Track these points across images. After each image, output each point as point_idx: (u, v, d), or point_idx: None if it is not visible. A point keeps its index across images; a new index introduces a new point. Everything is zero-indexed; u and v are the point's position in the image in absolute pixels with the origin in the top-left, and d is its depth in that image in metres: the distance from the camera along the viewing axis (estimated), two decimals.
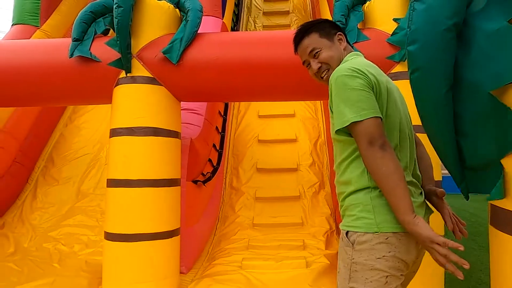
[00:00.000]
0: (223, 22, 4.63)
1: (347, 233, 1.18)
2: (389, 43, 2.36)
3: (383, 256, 1.11)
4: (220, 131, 4.17)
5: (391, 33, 2.39)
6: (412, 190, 1.20)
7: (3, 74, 2.59)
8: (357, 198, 1.17)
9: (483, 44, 1.22)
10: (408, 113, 1.36)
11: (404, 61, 2.32)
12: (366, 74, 1.16)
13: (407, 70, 2.31)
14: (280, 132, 4.74)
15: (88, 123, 4.95)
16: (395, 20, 2.39)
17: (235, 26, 5.89)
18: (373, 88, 1.16)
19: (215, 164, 3.85)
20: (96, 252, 3.29)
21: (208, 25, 4.00)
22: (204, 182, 3.45)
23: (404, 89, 2.31)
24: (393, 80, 2.34)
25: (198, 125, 3.47)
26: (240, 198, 4.13)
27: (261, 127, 4.83)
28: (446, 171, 1.55)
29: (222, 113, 4.32)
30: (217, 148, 4.01)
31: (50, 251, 3.33)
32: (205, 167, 3.60)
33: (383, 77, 1.24)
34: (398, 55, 2.33)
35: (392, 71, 2.37)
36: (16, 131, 4.21)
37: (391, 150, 1.11)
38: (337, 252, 3.26)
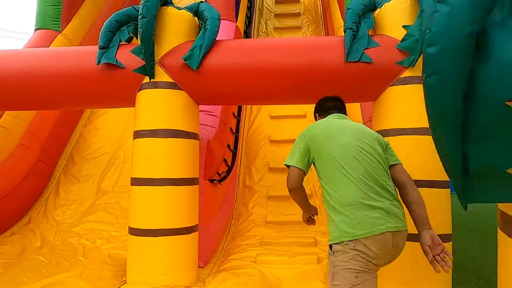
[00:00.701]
0: (236, 25, 4.77)
1: (331, 245, 1.59)
2: (399, 49, 2.47)
3: (351, 258, 1.50)
4: (234, 131, 4.32)
5: (400, 40, 2.49)
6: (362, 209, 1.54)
7: (36, 79, 2.78)
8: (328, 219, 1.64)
9: (501, 55, 1.21)
10: (368, 137, 1.74)
11: (413, 66, 2.42)
12: (304, 136, 1.73)
13: (415, 75, 2.44)
14: (291, 133, 4.86)
15: (106, 123, 5.16)
16: (404, 27, 2.50)
17: (247, 29, 6.03)
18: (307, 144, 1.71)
19: (229, 164, 4.01)
20: (118, 247, 3.48)
21: (223, 28, 4.13)
22: (220, 181, 3.60)
23: (413, 93, 2.43)
24: (401, 85, 2.48)
25: (213, 127, 3.62)
26: (253, 196, 4.27)
27: (273, 128, 4.96)
28: None
29: (236, 114, 4.47)
30: (231, 148, 4.16)
31: (74, 246, 3.53)
32: (220, 167, 3.76)
33: (324, 132, 1.72)
34: (407, 60, 2.44)
35: (401, 76, 2.48)
36: (39, 132, 4.43)
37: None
38: None
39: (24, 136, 4.20)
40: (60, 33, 4.86)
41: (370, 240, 1.50)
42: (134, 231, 2.60)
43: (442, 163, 1.47)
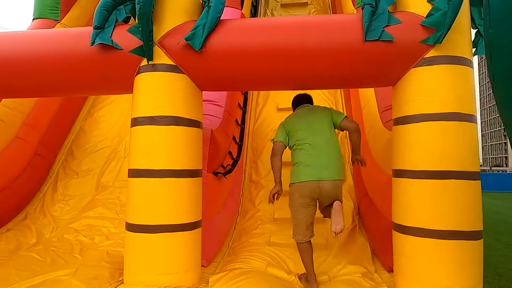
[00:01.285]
0: (242, 13, 4.54)
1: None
2: (423, 26, 2.22)
3: (293, 195, 2.55)
4: (239, 123, 4.09)
5: (425, 16, 2.25)
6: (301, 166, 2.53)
7: (25, 64, 2.57)
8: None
9: None
10: (321, 118, 2.62)
11: (440, 43, 2.18)
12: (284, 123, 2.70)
13: (442, 54, 2.20)
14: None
15: (107, 116, 4.97)
16: (429, 1, 2.25)
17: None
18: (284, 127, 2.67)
19: (235, 157, 3.79)
20: (117, 244, 3.28)
21: (227, 16, 3.91)
22: (225, 174, 3.39)
23: (440, 74, 2.18)
24: (426, 65, 2.23)
25: (218, 117, 3.41)
26: (260, 191, 4.05)
27: (280, 120, 4.70)
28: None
29: (242, 105, 4.24)
30: (237, 140, 3.94)
31: (71, 242, 3.34)
32: (225, 159, 3.54)
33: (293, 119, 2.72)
34: (433, 37, 2.19)
35: (426, 56, 2.23)
36: (37, 124, 4.25)
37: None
38: (359, 247, 3.04)
39: (21, 128, 4.02)
40: (58, 22, 4.67)
41: (301, 185, 2.47)
42: (131, 227, 2.39)
43: (507, 131, 1.29)
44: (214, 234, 3.09)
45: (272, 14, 6.56)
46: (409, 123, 2.26)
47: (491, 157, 64.72)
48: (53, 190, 4.22)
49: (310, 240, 2.55)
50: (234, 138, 3.80)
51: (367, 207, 3.45)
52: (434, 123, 2.18)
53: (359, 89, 3.86)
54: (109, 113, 5.00)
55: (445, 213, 2.12)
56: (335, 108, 4.81)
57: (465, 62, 2.23)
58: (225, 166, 3.49)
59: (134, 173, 2.42)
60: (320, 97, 4.92)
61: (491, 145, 65.60)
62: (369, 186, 3.36)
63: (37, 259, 2.95)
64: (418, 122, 2.22)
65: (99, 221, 3.71)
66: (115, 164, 4.45)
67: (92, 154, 4.59)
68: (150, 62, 2.44)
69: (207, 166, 2.94)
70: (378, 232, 3.08)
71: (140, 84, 2.48)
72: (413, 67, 2.28)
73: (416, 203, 2.20)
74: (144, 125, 2.41)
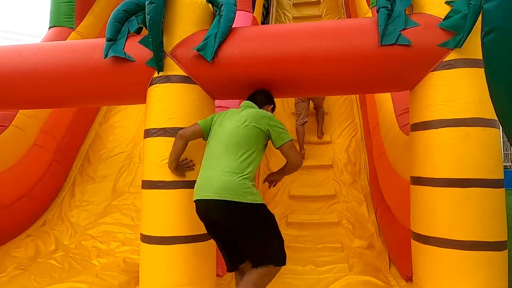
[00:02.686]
0: (253, 16, 4.50)
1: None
2: (442, 28, 2.14)
3: None
4: None
5: (443, 18, 2.16)
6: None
7: (40, 76, 2.61)
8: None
9: None
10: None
11: (460, 47, 2.09)
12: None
13: (462, 57, 2.11)
14: (314, 129, 4.58)
15: (122, 121, 5.03)
16: (447, 3, 2.17)
17: (265, 20, 5.74)
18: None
19: None
20: (132, 251, 3.31)
21: (239, 20, 3.87)
22: None
23: (460, 78, 2.10)
24: (446, 69, 2.15)
25: None
26: (276, 196, 4.02)
27: (292, 124, 4.68)
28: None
29: None
30: None
31: (88, 249, 3.40)
32: None
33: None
34: (453, 41, 2.10)
35: (445, 59, 2.15)
36: (54, 131, 4.33)
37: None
38: (377, 255, 2.96)
39: (39, 136, 4.11)
40: (73, 30, 4.75)
41: None
42: (146, 239, 2.40)
43: (507, 134, 1.23)
44: None
45: (285, 14, 6.49)
46: (428, 128, 2.18)
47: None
48: (71, 196, 4.30)
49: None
50: None
51: (383, 213, 3.37)
52: (455, 129, 2.10)
53: None
54: (124, 119, 5.05)
55: (468, 223, 2.04)
56: (350, 112, 4.76)
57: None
58: None
59: (148, 184, 2.42)
60: (335, 100, 4.86)
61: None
62: (386, 192, 3.28)
63: (56, 266, 3.01)
64: (437, 128, 2.14)
65: (115, 227, 3.76)
66: (130, 169, 4.51)
67: (107, 159, 4.66)
68: (161, 73, 2.43)
69: None
70: (395, 240, 3.01)
71: (153, 95, 2.48)
72: (431, 71, 2.20)
73: (437, 212, 2.12)
74: (156, 136, 2.41)
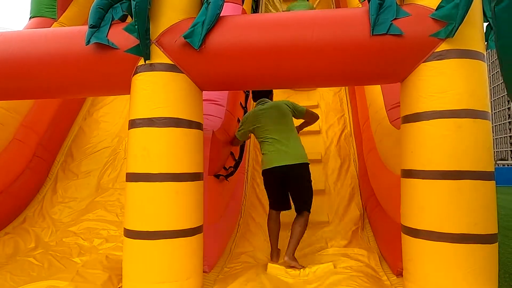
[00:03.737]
0: (243, 8, 4.43)
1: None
2: (433, 19, 2.11)
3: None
4: None
5: (434, 8, 2.13)
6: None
7: (18, 65, 2.48)
8: None
9: None
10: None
11: (452, 37, 2.06)
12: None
13: (454, 48, 2.08)
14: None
15: (107, 116, 4.88)
16: None
17: (254, 13, 5.66)
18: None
19: (237, 158, 3.69)
20: (116, 247, 3.20)
21: (228, 12, 3.80)
22: (227, 177, 3.29)
23: (452, 69, 2.07)
24: (437, 59, 2.12)
25: (219, 117, 3.30)
26: (265, 193, 3.95)
27: None
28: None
29: (244, 104, 4.14)
30: None
31: (70, 246, 3.27)
32: (227, 161, 3.44)
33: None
34: (444, 31, 2.07)
35: (436, 50, 2.12)
36: (36, 125, 4.16)
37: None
38: (366, 250, 2.91)
39: (18, 130, 3.94)
40: (56, 21, 4.58)
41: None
42: (130, 234, 2.30)
43: None
44: (216, 238, 3.00)
45: (275, 8, 6.42)
46: (420, 120, 2.15)
47: (496, 151, 64.37)
48: (53, 192, 4.15)
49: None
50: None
51: (373, 208, 3.35)
52: (447, 121, 2.07)
53: (365, 86, 3.75)
54: (109, 113, 4.91)
55: (459, 215, 2.02)
56: (339, 108, 4.74)
57: (478, 56, 2.12)
58: (227, 168, 3.39)
59: (132, 177, 2.33)
60: (324, 95, 4.83)
61: (495, 138, 65.17)
62: (376, 187, 3.26)
63: (35, 264, 2.87)
64: (429, 120, 2.11)
65: (99, 224, 3.63)
66: (115, 165, 4.37)
67: (91, 155, 4.51)
68: (147, 62, 2.34)
69: (208, 169, 2.85)
70: (385, 234, 2.99)
71: (137, 84, 2.38)
72: (423, 62, 2.17)
73: (427, 205, 2.09)
74: (142, 127, 2.32)
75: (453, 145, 2.06)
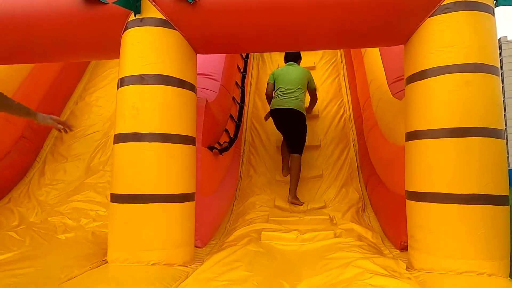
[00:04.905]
0: None
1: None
2: None
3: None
4: (238, 101, 3.86)
5: None
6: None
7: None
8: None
9: None
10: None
11: None
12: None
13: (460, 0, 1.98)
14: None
15: (99, 100, 4.74)
16: None
17: None
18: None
19: (232, 136, 3.55)
20: (104, 226, 3.02)
21: None
22: (221, 151, 3.14)
23: (460, 22, 1.95)
24: (444, 13, 2.00)
25: (214, 91, 3.18)
26: (260, 177, 3.82)
27: None
28: None
29: (240, 84, 4.02)
30: (235, 119, 3.70)
31: (55, 224, 3.09)
32: (221, 137, 3.30)
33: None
34: None
35: (443, 3, 2.01)
36: (24, 104, 4.00)
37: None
38: (364, 229, 2.73)
39: None
40: None
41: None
42: (117, 198, 2.14)
43: None
44: (209, 213, 2.84)
45: None
46: (426, 77, 2.03)
47: None
48: (40, 174, 3.97)
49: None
50: (231, 116, 3.56)
51: (374, 186, 3.21)
52: (455, 76, 1.95)
53: (365, 63, 3.64)
54: (102, 97, 4.76)
55: (468, 175, 1.88)
56: (338, 92, 4.64)
57: (487, 9, 2.01)
58: (221, 144, 3.25)
59: (120, 137, 2.18)
60: (323, 79, 4.73)
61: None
62: (377, 162, 3.12)
63: (15, 239, 2.69)
64: (436, 76, 1.99)
65: (87, 205, 3.45)
66: (107, 148, 4.20)
67: (82, 138, 4.35)
68: (137, 16, 2.21)
69: (201, 139, 2.71)
70: (387, 211, 2.84)
71: (127, 40, 2.25)
72: (429, 17, 2.06)
73: (435, 165, 1.96)
74: (131, 84, 2.18)
75: (461, 101, 1.94)
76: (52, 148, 4.29)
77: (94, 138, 4.34)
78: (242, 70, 4.10)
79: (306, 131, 3.68)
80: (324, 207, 3.45)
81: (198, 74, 2.73)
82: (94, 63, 5.11)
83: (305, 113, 3.68)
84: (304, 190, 3.71)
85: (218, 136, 3.18)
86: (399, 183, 2.37)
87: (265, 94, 3.91)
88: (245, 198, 3.57)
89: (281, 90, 3.63)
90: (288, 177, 3.71)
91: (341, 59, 4.89)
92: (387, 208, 2.82)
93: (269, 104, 3.81)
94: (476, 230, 1.85)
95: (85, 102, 4.74)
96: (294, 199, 3.42)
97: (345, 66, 4.75)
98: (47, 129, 4.43)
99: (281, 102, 3.58)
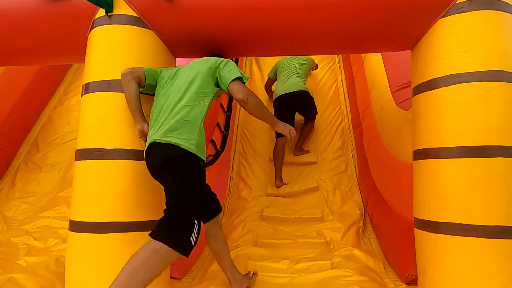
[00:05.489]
0: None
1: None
2: None
3: None
4: (225, 110, 3.56)
5: None
6: None
7: None
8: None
9: None
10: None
11: None
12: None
13: None
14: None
15: (79, 105, 4.39)
16: None
17: None
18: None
19: (219, 147, 3.24)
20: None
21: None
22: (205, 165, 2.82)
23: (476, 22, 1.64)
24: (458, 13, 1.71)
25: None
26: (252, 191, 3.50)
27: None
28: None
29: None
30: (222, 128, 3.40)
31: (18, 247, 2.75)
32: (207, 149, 2.99)
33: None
34: None
35: (458, 1, 1.73)
36: None
37: None
38: (368, 255, 2.33)
39: None
40: None
41: None
42: (75, 226, 1.82)
43: None
44: None
45: None
46: (438, 87, 1.75)
47: None
48: (10, 186, 3.63)
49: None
50: (218, 124, 3.25)
51: (376, 205, 2.91)
52: (472, 85, 1.67)
53: (365, 68, 3.36)
54: None
55: (491, 202, 1.60)
56: (336, 99, 4.34)
57: (509, 8, 1.74)
58: (207, 157, 2.94)
59: (82, 154, 1.87)
60: (320, 86, 4.45)
61: None
62: (378, 179, 2.82)
63: None
64: (449, 85, 1.71)
65: (58, 222, 3.11)
66: None
67: (59, 146, 4.01)
68: (108, 14, 1.91)
69: None
70: (391, 235, 2.54)
71: (93, 41, 1.95)
72: (441, 17, 1.78)
73: (449, 191, 1.67)
74: (95, 91, 1.88)
75: (480, 115, 1.65)
76: (26, 156, 3.96)
77: (71, 146, 4.00)
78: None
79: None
80: (321, 218, 3.14)
81: None
82: (77, 65, 4.78)
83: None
84: (301, 203, 3.41)
85: None
86: (406, 207, 2.08)
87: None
88: (233, 215, 3.26)
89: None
90: (281, 189, 3.43)
91: (339, 63, 4.61)
92: (391, 232, 2.52)
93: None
94: (502, 270, 1.56)
95: (64, 107, 4.42)
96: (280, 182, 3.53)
97: (343, 71, 4.47)
98: (22, 135, 4.10)
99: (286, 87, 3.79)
